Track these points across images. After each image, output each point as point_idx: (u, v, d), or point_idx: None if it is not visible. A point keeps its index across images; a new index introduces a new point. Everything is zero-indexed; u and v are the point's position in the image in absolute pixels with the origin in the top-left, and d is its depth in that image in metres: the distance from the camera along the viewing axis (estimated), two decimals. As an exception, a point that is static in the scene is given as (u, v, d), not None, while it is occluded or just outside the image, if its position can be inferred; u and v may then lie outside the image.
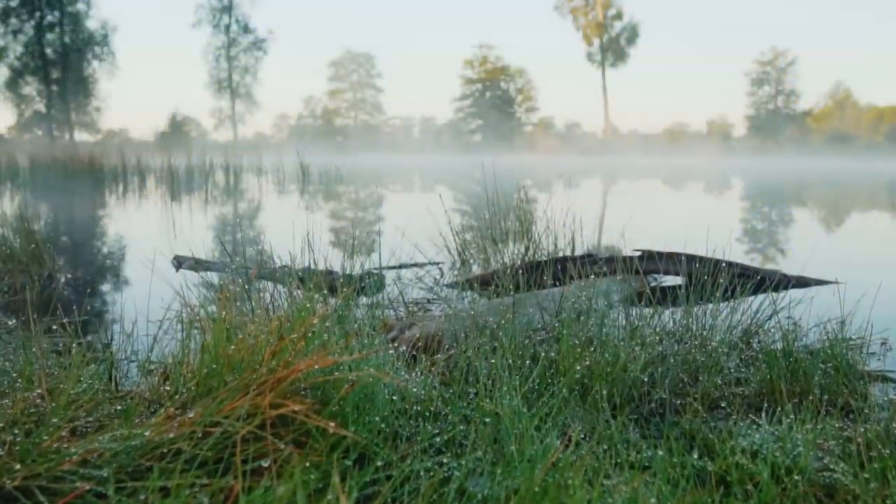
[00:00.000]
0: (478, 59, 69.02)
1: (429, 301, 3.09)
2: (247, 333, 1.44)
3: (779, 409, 1.67)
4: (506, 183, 4.38)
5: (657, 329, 2.26)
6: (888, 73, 76.99)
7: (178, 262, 4.19)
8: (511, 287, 2.90)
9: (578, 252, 4.03)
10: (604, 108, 64.37)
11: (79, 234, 6.41)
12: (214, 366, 1.38)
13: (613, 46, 62.65)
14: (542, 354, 1.70)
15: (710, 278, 2.59)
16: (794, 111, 63.24)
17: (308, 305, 1.59)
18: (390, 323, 2.45)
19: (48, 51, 50.82)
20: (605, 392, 1.72)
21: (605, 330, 2.24)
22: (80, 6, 51.36)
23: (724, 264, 3.06)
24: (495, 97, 68.36)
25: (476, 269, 3.91)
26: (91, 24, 59.08)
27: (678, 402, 1.83)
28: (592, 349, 1.92)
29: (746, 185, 18.07)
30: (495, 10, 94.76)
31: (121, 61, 76.37)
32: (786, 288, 3.47)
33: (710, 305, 2.52)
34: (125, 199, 10.87)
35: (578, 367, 1.73)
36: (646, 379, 1.83)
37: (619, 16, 62.50)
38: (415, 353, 2.19)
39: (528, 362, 1.78)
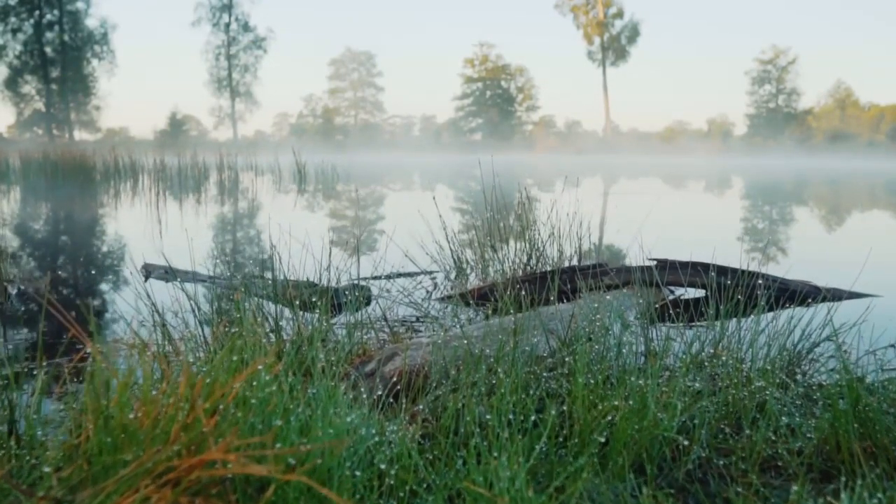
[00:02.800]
0: (478, 57, 68.65)
1: (418, 319, 2.72)
2: (161, 392, 1.08)
3: (854, 478, 1.31)
4: (506, 182, 4.02)
5: (686, 360, 1.89)
6: (888, 73, 76.57)
7: (147, 272, 3.83)
8: (512, 303, 2.54)
9: (586, 260, 3.67)
10: (604, 107, 63.97)
11: (52, 239, 6.04)
12: (109, 439, 1.01)
13: (614, 45, 62.25)
14: (553, 412, 1.33)
15: (743, 295, 2.23)
16: (795, 110, 62.86)
17: (235, 359, 1.21)
18: (369, 353, 2.08)
19: (47, 49, 50.48)
20: (630, 453, 1.35)
21: (623, 360, 1.88)
22: (80, 4, 51.07)
23: (760, 280, 2.69)
24: (496, 96, 67.97)
25: (473, 279, 3.55)
26: (90, 22, 58.93)
27: (721, 461, 1.46)
28: (611, 392, 1.56)
29: (752, 185, 17.70)
30: (495, 9, 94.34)
31: (120, 60, 76.08)
32: (817, 301, 3.11)
33: (744, 326, 2.16)
34: (113, 199, 10.50)
35: (597, 434, 1.36)
36: (679, 436, 1.47)
37: (619, 14, 62.10)
38: (396, 390, 1.83)
39: (532, 417, 1.42)
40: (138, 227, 6.67)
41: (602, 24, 61.69)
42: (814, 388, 1.88)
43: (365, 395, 1.54)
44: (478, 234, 3.57)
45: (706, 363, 1.84)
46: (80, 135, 52.13)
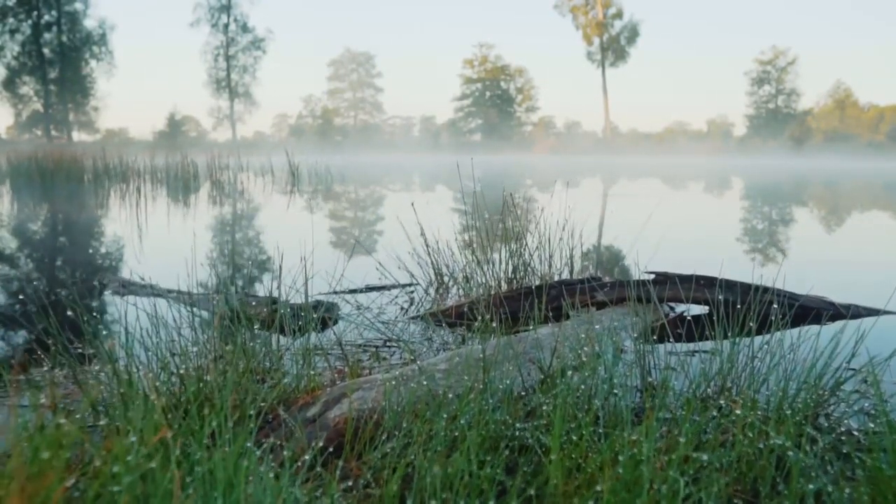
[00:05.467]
0: (477, 58, 68.37)
1: (385, 343, 2.41)
2: None
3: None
4: (503, 184, 3.71)
5: (691, 403, 1.59)
6: (888, 73, 76.42)
7: (103, 285, 3.53)
8: (488, 327, 2.24)
9: (578, 272, 3.37)
10: (604, 108, 63.69)
11: (14, 245, 5.73)
12: None
13: (613, 45, 61.94)
14: (523, 485, 1.03)
15: (755, 319, 1.92)
16: (795, 110, 62.61)
17: (47, 460, 0.88)
18: (320, 389, 1.78)
19: (46, 50, 50.15)
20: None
21: (615, 402, 1.58)
22: (78, 5, 50.78)
23: (772, 298, 2.38)
24: (495, 96, 67.70)
25: (455, 293, 3.24)
26: (89, 23, 58.63)
27: (734, 547, 1.16)
28: (597, 452, 1.26)
29: (752, 187, 17.39)
30: (495, 9, 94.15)
31: (119, 60, 75.85)
32: (833, 319, 2.81)
33: (756, 351, 1.85)
34: (95, 203, 10.20)
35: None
36: None
37: (618, 15, 61.80)
38: (340, 440, 1.53)
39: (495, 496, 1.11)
40: (114, 234, 6.36)
41: (601, 25, 61.40)
42: (843, 436, 1.57)
43: (297, 453, 1.23)
44: (460, 244, 3.26)
45: (715, 411, 1.53)
46: (78, 136, 51.89)
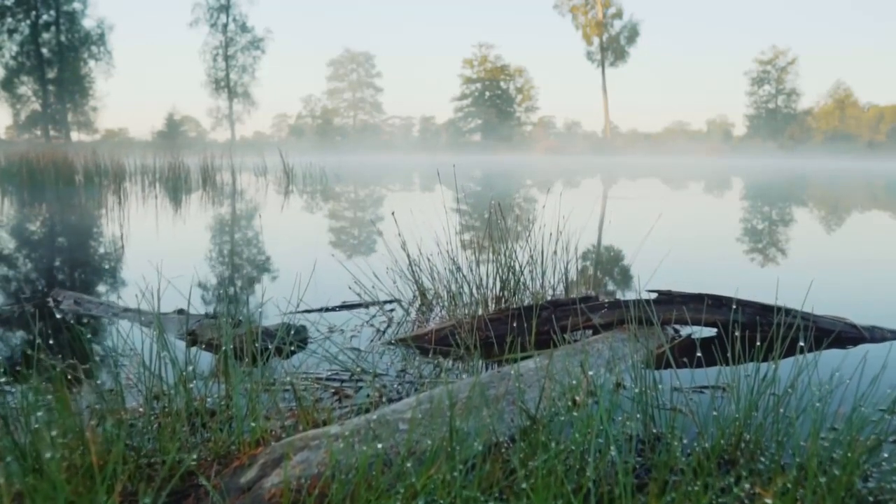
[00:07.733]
0: (477, 58, 68.05)
1: (352, 376, 2.12)
2: None
3: None
4: (501, 186, 3.43)
5: (703, 462, 1.31)
6: (888, 73, 76.22)
7: (57, 300, 3.26)
8: (472, 350, 1.97)
9: (572, 287, 3.08)
10: (604, 108, 63.40)
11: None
12: None
13: (613, 45, 61.65)
14: None
15: (777, 347, 1.64)
16: (795, 110, 62.37)
17: None
18: (257, 449, 1.50)
19: (44, 50, 49.88)
20: None
21: (610, 462, 1.30)
22: (77, 5, 50.55)
23: (808, 323, 2.09)
24: (494, 96, 67.40)
25: (438, 312, 2.96)
26: (87, 22, 58.38)
27: None
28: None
29: (753, 187, 17.11)
30: (495, 9, 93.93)
31: (118, 60, 75.62)
32: (854, 343, 2.53)
33: (777, 381, 1.58)
34: (80, 204, 9.92)
35: None
36: None
37: (618, 14, 61.52)
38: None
39: None
40: (86, 241, 6.08)
41: (601, 25, 61.11)
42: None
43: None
44: (443, 258, 2.97)
45: (723, 453, 1.25)
46: (77, 136, 51.62)
